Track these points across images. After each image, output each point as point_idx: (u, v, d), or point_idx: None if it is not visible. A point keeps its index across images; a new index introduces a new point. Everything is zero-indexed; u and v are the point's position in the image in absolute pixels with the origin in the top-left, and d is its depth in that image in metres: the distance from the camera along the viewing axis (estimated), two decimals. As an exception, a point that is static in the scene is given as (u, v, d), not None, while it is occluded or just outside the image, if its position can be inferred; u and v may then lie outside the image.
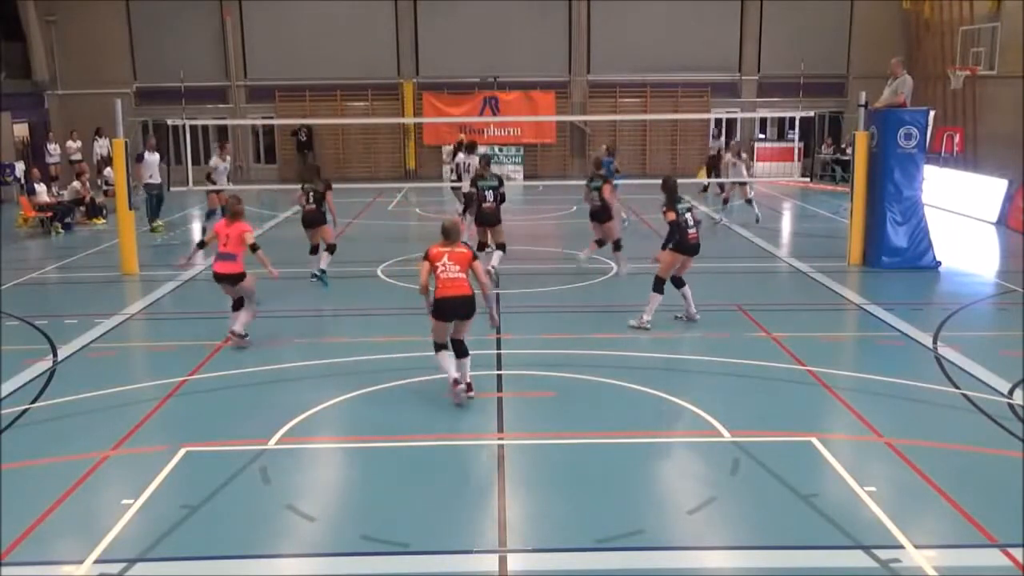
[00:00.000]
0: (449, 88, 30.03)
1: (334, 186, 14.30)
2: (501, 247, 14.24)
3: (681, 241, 10.98)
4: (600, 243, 14.54)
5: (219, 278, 10.63)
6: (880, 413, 8.41)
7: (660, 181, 11.39)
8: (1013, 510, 6.38)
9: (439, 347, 8.70)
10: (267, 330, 11.64)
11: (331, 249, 14.12)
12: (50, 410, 8.72)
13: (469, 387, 8.68)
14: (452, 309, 8.46)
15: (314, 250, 14.29)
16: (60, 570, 5.84)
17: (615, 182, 18.01)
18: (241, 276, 10.49)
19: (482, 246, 14.37)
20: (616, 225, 14.78)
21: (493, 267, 13.89)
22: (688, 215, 11.05)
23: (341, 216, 16.72)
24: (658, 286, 11.22)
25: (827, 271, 14.72)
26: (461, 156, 17.38)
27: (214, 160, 18.73)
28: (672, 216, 10.92)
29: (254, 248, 10.48)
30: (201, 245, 11.83)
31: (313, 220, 14.03)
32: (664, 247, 11.15)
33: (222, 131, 29.71)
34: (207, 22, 29.70)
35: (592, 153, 18.52)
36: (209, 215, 19.51)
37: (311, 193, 13.92)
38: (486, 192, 13.99)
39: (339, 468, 7.60)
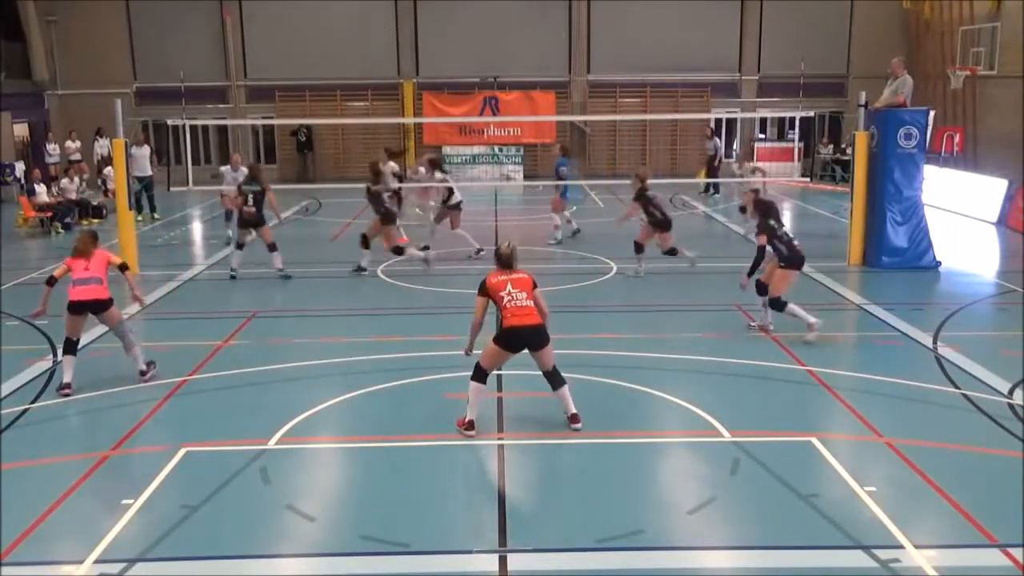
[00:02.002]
0: (449, 88, 30.02)
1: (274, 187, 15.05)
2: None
3: (791, 255, 10.72)
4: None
5: (80, 307, 9.05)
6: (880, 413, 8.41)
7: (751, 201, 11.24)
8: (1013, 510, 6.39)
9: (481, 376, 7.98)
10: (267, 330, 11.66)
11: (273, 247, 14.52)
12: (50, 410, 8.72)
13: (575, 418, 8.02)
14: (523, 339, 7.88)
15: (240, 247, 14.78)
16: (60, 570, 5.84)
17: (564, 184, 17.69)
18: (108, 303, 9.17)
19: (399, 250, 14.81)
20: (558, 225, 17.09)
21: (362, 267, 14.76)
22: (783, 230, 10.83)
23: (342, 216, 16.82)
24: (778, 305, 10.69)
25: (827, 271, 14.70)
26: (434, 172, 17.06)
27: (225, 170, 19.00)
28: (763, 240, 10.69)
29: (124, 267, 9.45)
30: (51, 282, 9.31)
31: (252, 221, 14.46)
32: (750, 273, 10.87)
33: (222, 131, 29.73)
34: (207, 22, 29.68)
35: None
36: (228, 216, 19.58)
37: (249, 195, 14.37)
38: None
39: (339, 468, 7.60)
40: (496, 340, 7.99)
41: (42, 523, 6.42)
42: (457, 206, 16.30)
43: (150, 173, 21.17)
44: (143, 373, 9.47)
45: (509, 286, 7.95)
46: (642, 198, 14.13)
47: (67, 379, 9.08)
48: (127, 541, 6.15)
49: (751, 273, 10.91)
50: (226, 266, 15.22)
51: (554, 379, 8.09)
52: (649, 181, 14.34)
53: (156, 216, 21.59)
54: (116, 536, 6.20)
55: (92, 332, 11.39)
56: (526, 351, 8.00)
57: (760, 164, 19.23)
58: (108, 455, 7.61)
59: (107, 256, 9.47)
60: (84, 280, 9.14)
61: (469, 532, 6.32)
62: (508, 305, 7.88)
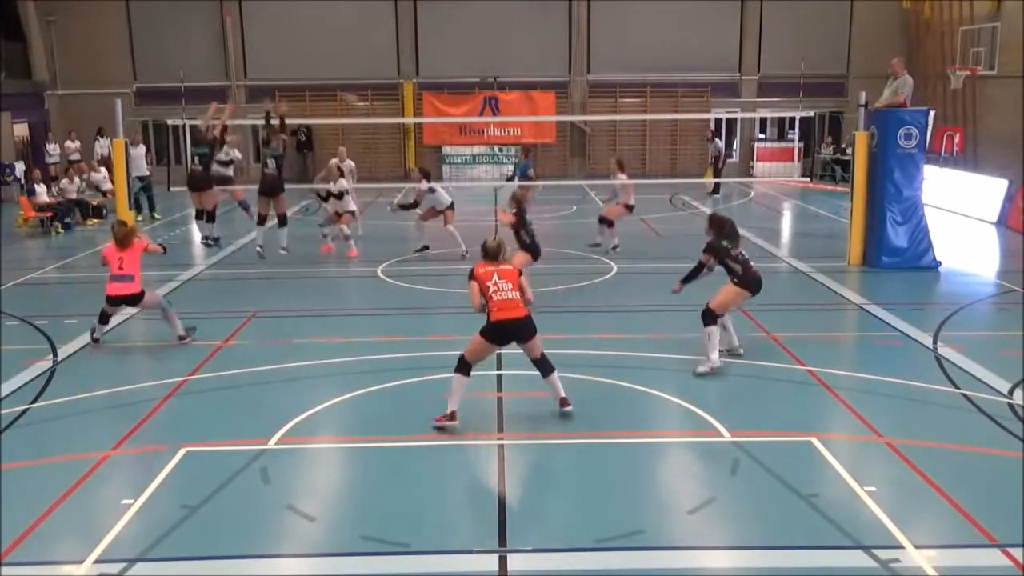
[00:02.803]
0: (449, 88, 30.04)
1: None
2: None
3: (745, 277, 10.01)
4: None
5: (116, 301, 10.42)
6: (880, 413, 8.40)
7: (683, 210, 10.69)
8: (1013, 510, 6.38)
9: (465, 368, 8.01)
10: (267, 330, 11.66)
11: (211, 217, 16.01)
12: (50, 410, 8.72)
13: (565, 401, 8.19)
14: (510, 333, 7.99)
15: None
16: (60, 570, 5.84)
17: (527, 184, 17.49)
18: (140, 295, 10.41)
19: None
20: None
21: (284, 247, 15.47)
22: (738, 250, 10.16)
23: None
24: (708, 317, 9.89)
25: (827, 271, 14.72)
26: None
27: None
28: (707, 258, 10.04)
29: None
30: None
31: (202, 181, 15.88)
32: (685, 281, 10.21)
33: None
34: (207, 22, 29.71)
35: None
36: (244, 207, 18.99)
37: (196, 156, 16.13)
38: None
39: (339, 468, 7.59)
40: (483, 333, 8.04)
41: (42, 523, 6.42)
42: (450, 207, 16.50)
43: (146, 173, 21.25)
44: (182, 338, 10.62)
45: (495, 276, 8.03)
46: (519, 220, 12.91)
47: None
48: (127, 541, 6.14)
49: (684, 280, 10.23)
50: (225, 266, 15.24)
51: (543, 366, 8.18)
52: (526, 204, 13.09)
53: (156, 216, 21.61)
54: (116, 536, 6.20)
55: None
56: (513, 344, 8.09)
57: (624, 176, 16.56)
58: (108, 455, 7.61)
59: (142, 247, 10.55)
60: (119, 277, 10.24)
61: (469, 532, 6.31)
62: (495, 297, 7.96)
